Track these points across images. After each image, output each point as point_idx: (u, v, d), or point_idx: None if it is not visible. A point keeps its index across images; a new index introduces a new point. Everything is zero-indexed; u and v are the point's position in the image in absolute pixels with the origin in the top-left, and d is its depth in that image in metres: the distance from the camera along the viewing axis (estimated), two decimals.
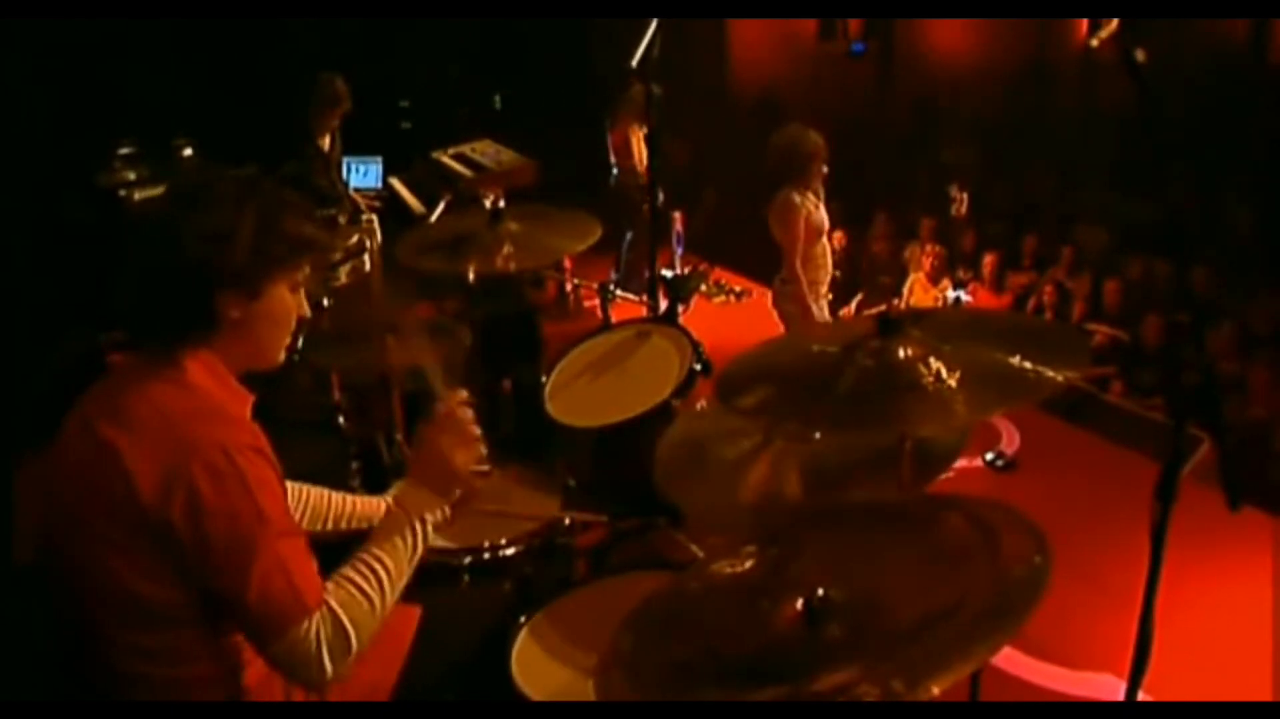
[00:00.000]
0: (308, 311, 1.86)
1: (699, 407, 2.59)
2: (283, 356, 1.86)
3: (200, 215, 1.69)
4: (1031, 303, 7.87)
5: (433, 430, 1.91)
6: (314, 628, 1.64)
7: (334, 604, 1.68)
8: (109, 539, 1.64)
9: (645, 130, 6.93)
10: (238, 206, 1.71)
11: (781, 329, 4.91)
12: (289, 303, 1.80)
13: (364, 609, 1.70)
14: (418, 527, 1.83)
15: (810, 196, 4.76)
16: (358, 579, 1.73)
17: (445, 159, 6.88)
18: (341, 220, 5.21)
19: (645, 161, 6.99)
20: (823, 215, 4.80)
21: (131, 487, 1.61)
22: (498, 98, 8.61)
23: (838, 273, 8.99)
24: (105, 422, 1.67)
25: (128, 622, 1.67)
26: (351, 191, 6.05)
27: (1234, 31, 8.32)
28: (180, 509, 1.60)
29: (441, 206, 5.04)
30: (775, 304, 4.93)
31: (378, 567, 1.75)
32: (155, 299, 1.71)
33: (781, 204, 4.70)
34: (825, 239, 4.85)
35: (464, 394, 1.95)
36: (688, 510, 2.47)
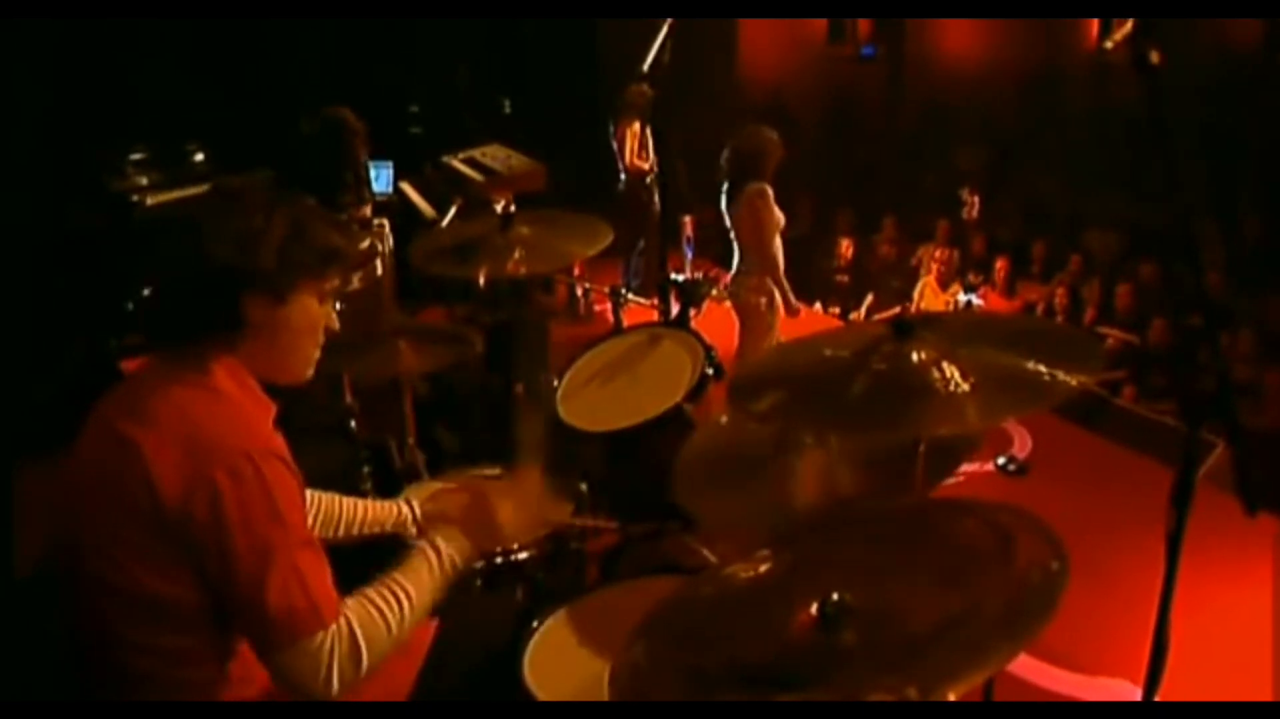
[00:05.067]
0: (336, 325, 1.87)
1: (721, 420, 2.58)
2: (311, 371, 1.87)
3: (231, 218, 1.71)
4: (1041, 307, 7.86)
5: (497, 490, 1.98)
6: (329, 641, 1.65)
7: (353, 621, 1.68)
8: (126, 538, 1.64)
9: (639, 129, 7.00)
10: (268, 211, 1.73)
11: (738, 321, 5.11)
12: (315, 313, 1.81)
13: (380, 632, 1.71)
14: (448, 568, 1.86)
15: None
16: (380, 603, 1.74)
17: (455, 163, 6.89)
18: (359, 218, 5.21)
19: (639, 160, 7.06)
20: (779, 213, 5.00)
21: (152, 486, 1.61)
22: (507, 102, 8.63)
23: (846, 278, 9.08)
24: (126, 421, 1.68)
25: (142, 621, 1.67)
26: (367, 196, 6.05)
27: (1246, 34, 8.29)
28: (201, 511, 1.60)
29: (452, 211, 5.05)
30: (733, 296, 5.06)
31: (402, 595, 1.76)
32: (181, 299, 1.73)
33: (755, 195, 4.89)
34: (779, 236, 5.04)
35: (539, 473, 2.03)
36: (707, 521, 2.46)
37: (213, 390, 1.71)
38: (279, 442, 1.72)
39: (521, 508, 1.97)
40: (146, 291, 1.78)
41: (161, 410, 1.67)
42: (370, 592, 1.76)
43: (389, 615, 1.73)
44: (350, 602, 1.72)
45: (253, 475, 1.62)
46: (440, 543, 1.87)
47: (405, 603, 1.76)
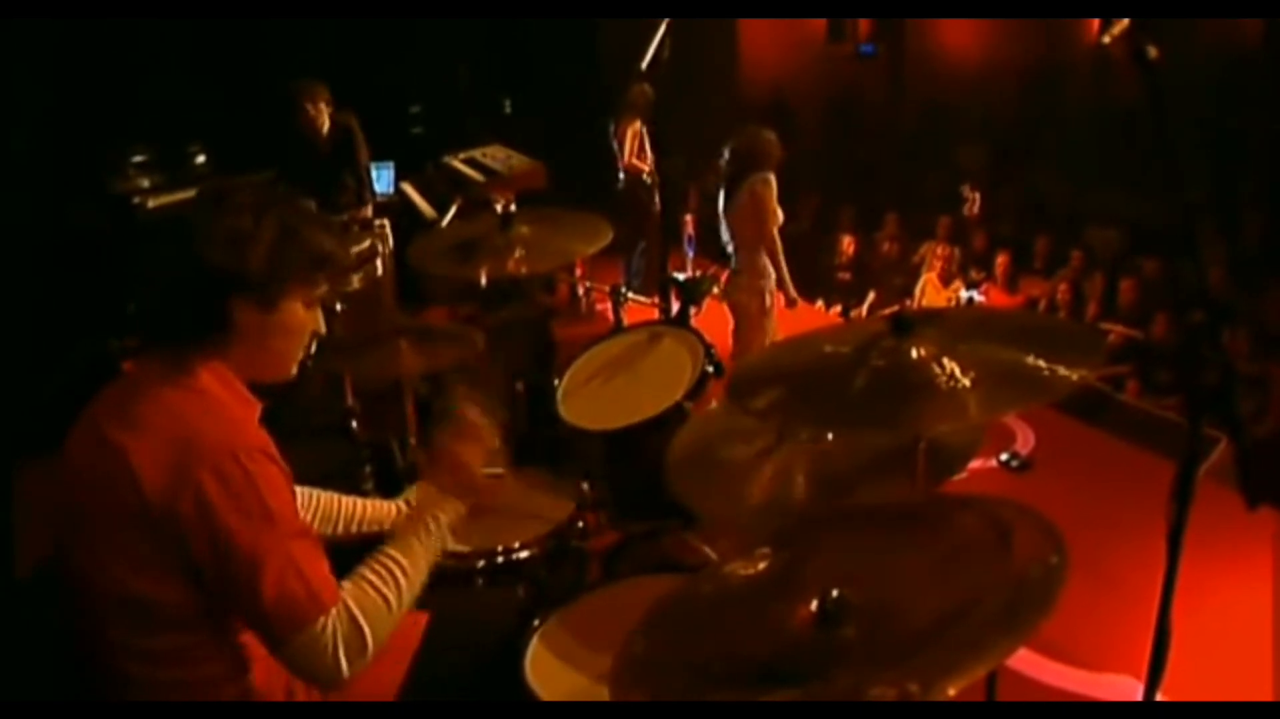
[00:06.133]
0: (323, 328, 1.87)
1: (712, 405, 2.58)
2: (295, 371, 1.87)
3: (221, 220, 1.70)
4: (1043, 303, 7.85)
5: (447, 436, 1.95)
6: (330, 625, 1.64)
7: (350, 602, 1.68)
8: (116, 541, 1.64)
9: (640, 128, 7.01)
10: (259, 213, 1.72)
11: (732, 322, 5.13)
12: (303, 318, 1.81)
13: (380, 608, 1.71)
14: (434, 528, 1.85)
15: None
16: (374, 579, 1.74)
17: (456, 163, 6.91)
18: (357, 222, 5.23)
19: (638, 159, 7.07)
20: (779, 210, 5.00)
21: (138, 487, 1.61)
22: (508, 102, 8.63)
23: (848, 275, 9.07)
24: (112, 424, 1.68)
25: (134, 624, 1.68)
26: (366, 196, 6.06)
27: (1248, 30, 8.27)
28: (188, 510, 1.60)
29: (453, 211, 5.05)
30: (726, 296, 5.07)
31: (394, 567, 1.76)
32: (170, 302, 1.72)
33: (758, 182, 4.91)
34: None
35: (475, 404, 2.00)
36: (701, 513, 2.46)
37: (197, 391, 1.71)
38: (264, 438, 1.72)
39: (478, 441, 1.96)
40: (138, 295, 1.78)
41: (146, 413, 1.67)
42: (364, 570, 1.76)
43: (386, 591, 1.73)
44: (346, 584, 1.72)
45: (239, 473, 1.62)
46: (422, 508, 1.87)
47: (400, 575, 1.76)
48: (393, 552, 1.79)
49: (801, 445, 2.22)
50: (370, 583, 1.73)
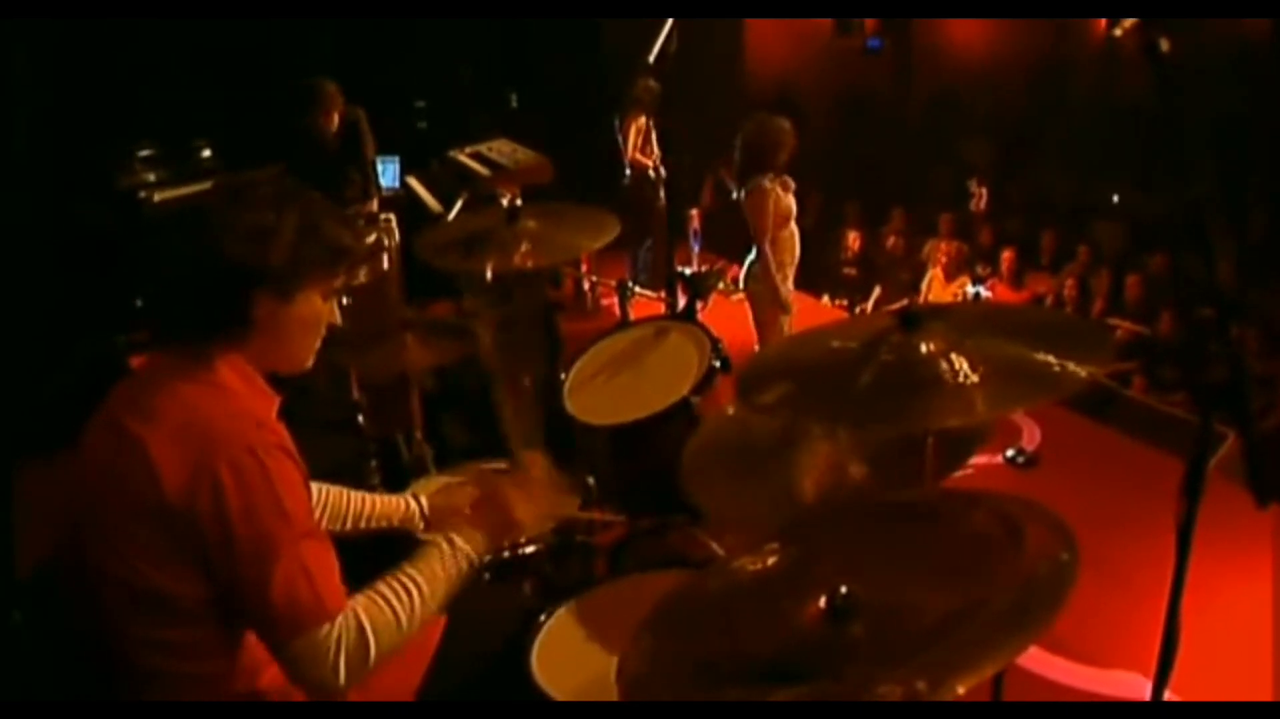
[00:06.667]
0: (339, 319, 1.87)
1: (729, 412, 2.57)
2: (311, 362, 1.87)
3: (243, 213, 1.71)
4: (1050, 299, 7.84)
5: (507, 483, 1.98)
6: (336, 632, 1.64)
7: (361, 613, 1.68)
8: (132, 533, 1.64)
9: (644, 123, 6.99)
10: (279, 207, 1.72)
11: (751, 314, 5.12)
12: (320, 309, 1.82)
13: (389, 624, 1.71)
14: (462, 564, 1.85)
15: (780, 183, 4.96)
16: (390, 595, 1.74)
17: (462, 158, 6.88)
18: (363, 216, 5.22)
19: (642, 155, 7.05)
20: (790, 201, 4.99)
21: (156, 481, 1.61)
22: (514, 96, 8.61)
23: (854, 271, 9.06)
24: (131, 417, 1.68)
25: (148, 616, 1.67)
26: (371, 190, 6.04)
27: (1256, 24, 8.23)
28: (205, 505, 1.60)
29: (459, 205, 5.04)
30: (745, 285, 5.12)
31: (412, 588, 1.76)
32: (190, 295, 1.72)
33: (753, 190, 4.90)
34: (793, 224, 5.03)
35: (543, 459, 2.04)
36: (716, 513, 2.45)
37: (217, 385, 1.71)
38: (283, 434, 1.73)
39: (533, 498, 1.98)
40: (154, 288, 1.78)
41: (166, 406, 1.67)
42: (380, 584, 1.76)
43: (397, 607, 1.73)
44: (359, 595, 1.72)
45: (256, 468, 1.62)
46: (454, 536, 1.87)
47: (415, 595, 1.75)
48: (414, 573, 1.79)
49: (815, 443, 2.21)
50: (384, 597, 1.73)
